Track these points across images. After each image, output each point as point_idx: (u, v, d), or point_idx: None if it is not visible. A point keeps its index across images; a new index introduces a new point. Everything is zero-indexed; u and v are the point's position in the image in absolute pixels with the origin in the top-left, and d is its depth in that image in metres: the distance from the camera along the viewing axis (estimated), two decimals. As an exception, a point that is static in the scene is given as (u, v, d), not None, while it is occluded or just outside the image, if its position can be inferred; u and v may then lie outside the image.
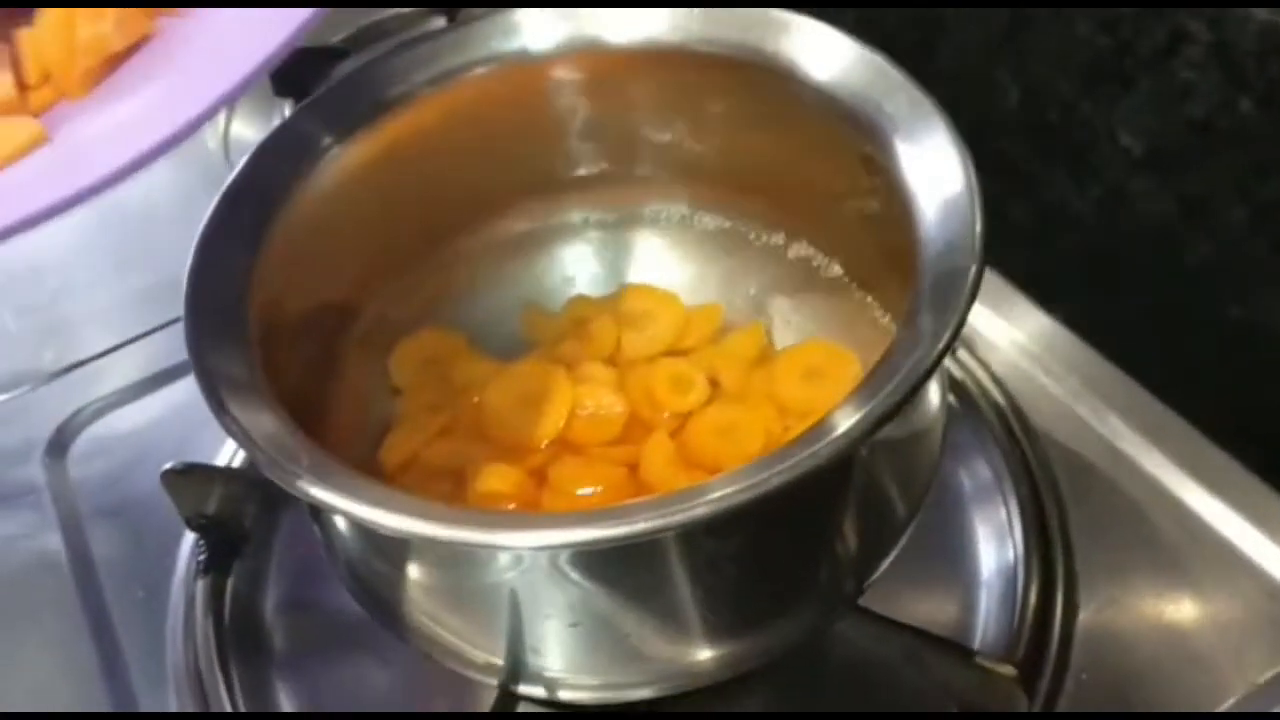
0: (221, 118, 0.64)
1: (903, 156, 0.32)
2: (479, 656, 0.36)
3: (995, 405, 0.43)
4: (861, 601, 0.35)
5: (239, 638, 0.43)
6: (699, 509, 0.27)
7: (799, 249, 0.42)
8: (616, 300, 0.44)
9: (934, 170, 0.31)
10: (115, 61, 0.31)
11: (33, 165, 0.29)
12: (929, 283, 0.31)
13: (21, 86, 0.31)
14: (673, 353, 0.42)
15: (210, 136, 0.62)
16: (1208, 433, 0.42)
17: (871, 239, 0.37)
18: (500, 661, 0.35)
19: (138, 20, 0.31)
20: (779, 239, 0.42)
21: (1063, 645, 0.37)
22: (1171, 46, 0.48)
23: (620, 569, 0.31)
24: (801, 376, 0.40)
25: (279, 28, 0.29)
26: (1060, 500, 0.40)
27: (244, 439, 0.30)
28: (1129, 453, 0.42)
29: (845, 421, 0.28)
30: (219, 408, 0.31)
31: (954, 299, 0.29)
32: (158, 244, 0.59)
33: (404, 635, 0.37)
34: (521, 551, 0.30)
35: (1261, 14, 0.44)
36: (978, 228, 0.30)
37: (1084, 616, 0.38)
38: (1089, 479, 0.41)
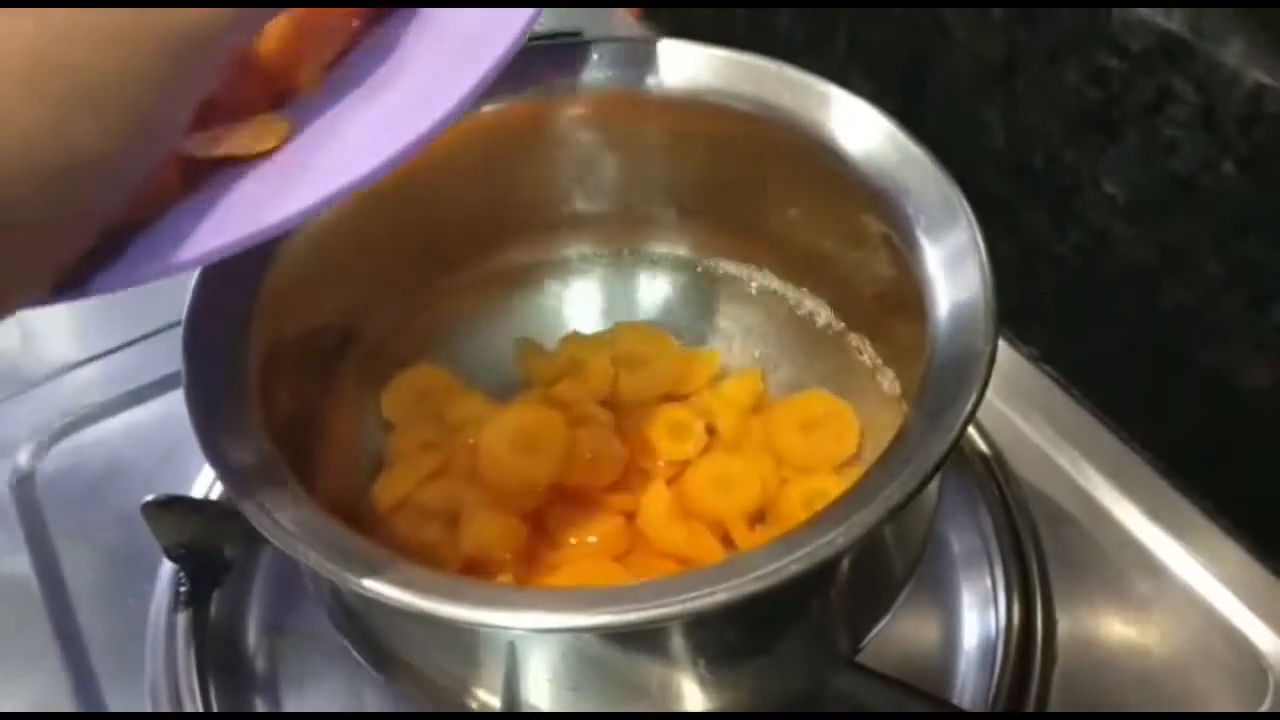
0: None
1: (923, 243, 0.33)
2: (472, 705, 0.36)
3: (980, 454, 0.44)
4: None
5: (220, 667, 0.43)
6: (717, 595, 0.27)
7: (800, 301, 0.42)
8: (611, 339, 0.44)
9: (951, 258, 0.32)
10: (342, 56, 0.31)
11: (284, 162, 0.29)
12: (938, 366, 0.31)
13: (260, 83, 0.31)
14: (670, 397, 0.42)
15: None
16: (1172, 472, 0.43)
17: (878, 303, 0.37)
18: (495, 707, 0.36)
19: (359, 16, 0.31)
20: (781, 289, 0.42)
21: (1040, 699, 0.38)
22: (1158, 104, 0.48)
23: (625, 641, 0.32)
24: (799, 428, 0.40)
25: (511, 21, 0.29)
26: (1041, 552, 0.41)
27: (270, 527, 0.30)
28: (1104, 503, 0.43)
29: (860, 508, 0.28)
30: (240, 494, 0.30)
31: (965, 391, 0.30)
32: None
33: (394, 677, 0.37)
34: (523, 634, 0.30)
35: (1248, 80, 0.45)
36: (990, 321, 0.31)
37: (1060, 669, 0.39)
38: (1067, 529, 0.43)
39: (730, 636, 0.33)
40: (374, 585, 0.28)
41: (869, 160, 0.34)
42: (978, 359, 0.30)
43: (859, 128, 0.35)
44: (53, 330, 0.55)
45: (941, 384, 0.31)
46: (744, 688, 0.35)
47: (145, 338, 0.53)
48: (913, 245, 0.33)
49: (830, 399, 0.40)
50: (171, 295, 0.53)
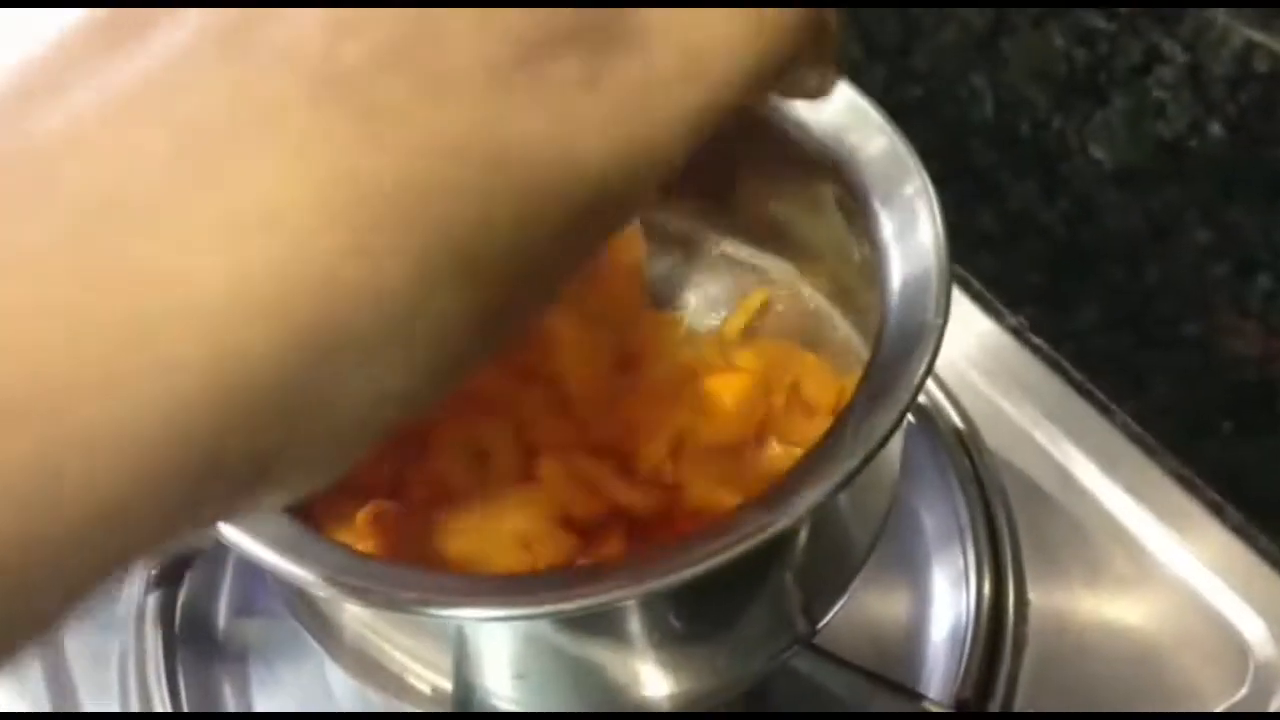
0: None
1: (877, 210, 0.31)
2: (424, 689, 0.36)
3: (954, 428, 0.43)
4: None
5: (191, 649, 0.43)
6: (662, 579, 0.27)
7: (766, 269, 0.41)
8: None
9: (904, 225, 0.31)
10: None
11: None
12: (890, 338, 0.30)
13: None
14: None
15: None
16: (1155, 449, 0.42)
17: (842, 271, 0.36)
18: (447, 691, 0.35)
19: None
20: (747, 257, 0.41)
21: (1010, 681, 0.37)
22: (1146, 66, 0.47)
23: (571, 625, 0.31)
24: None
25: None
26: (1015, 532, 0.40)
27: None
28: (1082, 480, 0.42)
29: (803, 487, 0.28)
30: None
31: (916, 361, 0.29)
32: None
33: (343, 662, 0.37)
34: (456, 620, 0.30)
35: (1237, 39, 0.44)
36: (942, 293, 0.30)
37: (1031, 651, 0.38)
38: (1043, 506, 0.42)
39: (685, 617, 0.32)
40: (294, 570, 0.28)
41: (820, 123, 0.33)
42: (929, 331, 0.29)
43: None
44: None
45: (891, 358, 0.30)
46: (700, 669, 0.34)
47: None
48: (868, 212, 0.32)
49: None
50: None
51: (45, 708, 0.42)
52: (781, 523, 0.27)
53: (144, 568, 0.44)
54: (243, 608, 0.45)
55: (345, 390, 0.15)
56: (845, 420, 0.29)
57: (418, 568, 0.31)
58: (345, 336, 0.15)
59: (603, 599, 0.27)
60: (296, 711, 0.43)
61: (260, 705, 0.43)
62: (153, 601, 0.43)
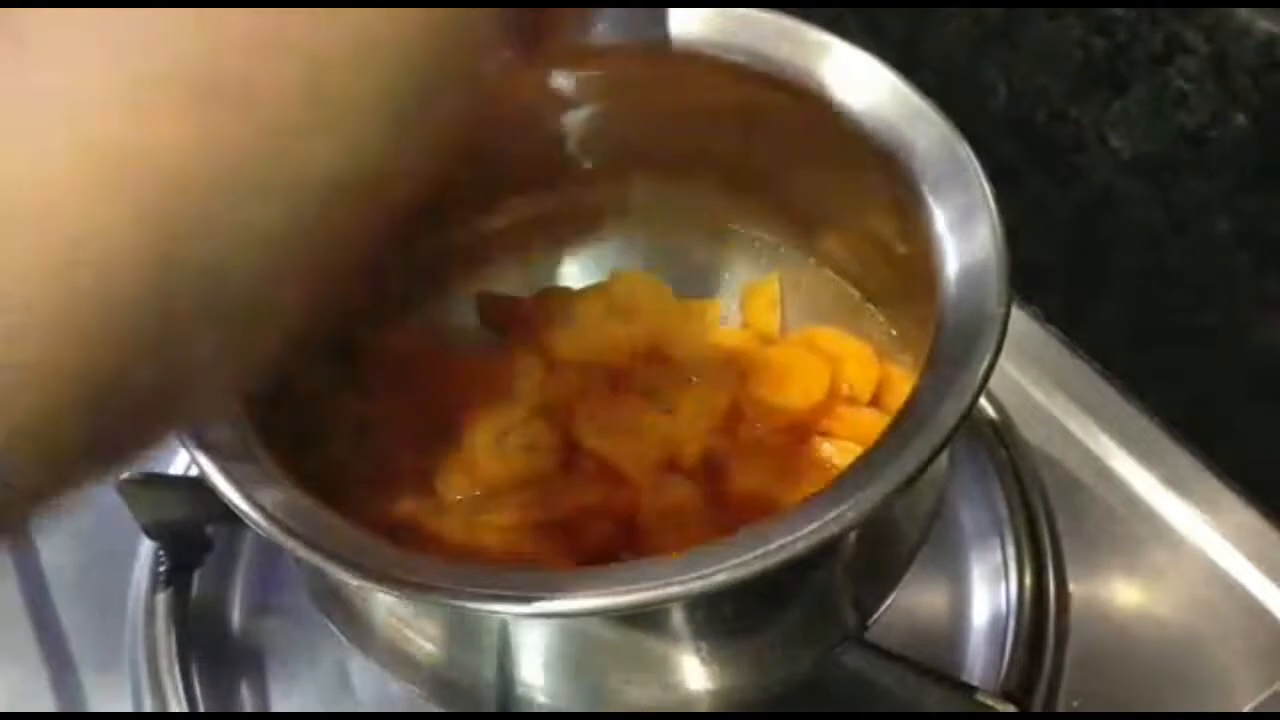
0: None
1: (931, 203, 0.31)
2: (463, 682, 0.35)
3: (989, 420, 0.43)
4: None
5: (202, 647, 0.42)
6: (720, 574, 0.26)
7: (807, 261, 0.40)
8: (606, 286, 0.43)
9: (960, 218, 0.30)
10: None
11: None
12: (949, 330, 0.30)
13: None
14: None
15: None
16: (1185, 437, 0.42)
17: (887, 266, 0.36)
18: (486, 685, 0.34)
19: None
20: (787, 250, 0.41)
21: (1053, 672, 0.37)
22: (1167, 54, 0.47)
23: (625, 620, 0.30)
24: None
25: None
26: (1053, 524, 0.40)
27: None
28: (1117, 469, 0.42)
29: (872, 480, 0.27)
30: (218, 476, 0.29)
31: (980, 351, 0.28)
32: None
33: (378, 656, 0.36)
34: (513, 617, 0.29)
35: (1259, 29, 0.44)
36: (1003, 283, 0.29)
37: (1073, 642, 0.38)
38: (1079, 497, 0.41)
39: (735, 614, 0.32)
40: (364, 580, 0.27)
41: (872, 116, 0.32)
42: (991, 322, 0.29)
43: (861, 81, 0.33)
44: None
45: (953, 349, 0.29)
46: (749, 665, 0.33)
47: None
48: (920, 204, 0.31)
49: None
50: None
51: (51, 708, 0.41)
52: (854, 516, 0.26)
53: (153, 565, 0.43)
54: (256, 606, 0.44)
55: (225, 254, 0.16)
56: (909, 413, 0.29)
57: (480, 563, 0.30)
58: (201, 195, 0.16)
59: (672, 592, 0.26)
60: (316, 711, 0.42)
61: (277, 705, 0.42)
62: (162, 601, 0.42)
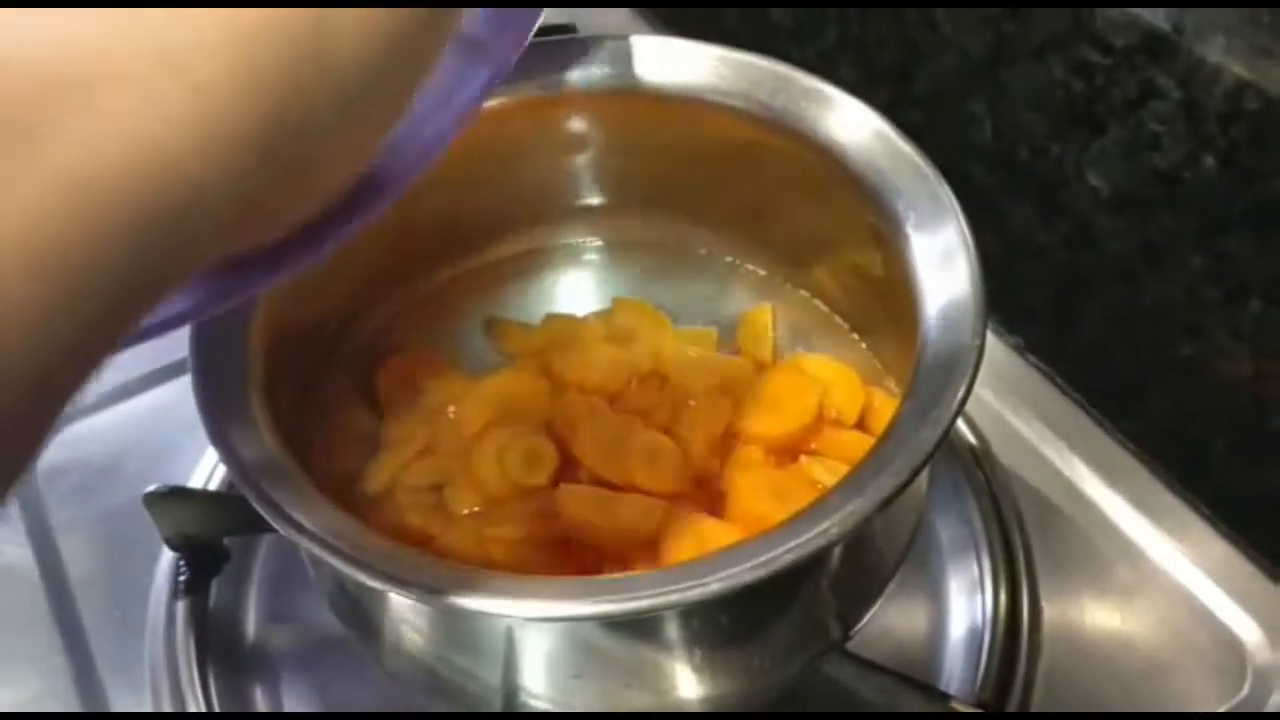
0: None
1: (913, 240, 0.33)
2: (470, 693, 0.37)
3: (968, 445, 0.45)
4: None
5: (220, 654, 0.44)
6: (711, 585, 0.28)
7: (795, 294, 0.43)
8: (606, 315, 0.45)
9: (941, 255, 0.33)
10: None
11: None
12: (928, 360, 0.32)
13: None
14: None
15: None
16: (1155, 464, 0.44)
17: (872, 300, 0.38)
18: (494, 699, 0.36)
19: None
20: (777, 283, 0.43)
21: (1026, 686, 0.39)
22: (1141, 99, 0.49)
23: (617, 628, 0.32)
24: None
25: (519, 21, 0.29)
26: (1027, 544, 0.42)
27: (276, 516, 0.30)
28: (1089, 493, 0.44)
29: (855, 498, 0.29)
30: (253, 491, 0.31)
31: (956, 380, 0.31)
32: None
33: (391, 666, 0.38)
34: (520, 621, 0.31)
35: (1229, 75, 0.46)
36: (979, 318, 0.32)
37: (1045, 657, 0.40)
38: (1052, 519, 0.44)
39: (723, 624, 0.34)
40: (394, 586, 0.29)
41: (861, 157, 0.35)
42: (966, 354, 0.31)
43: (852, 125, 0.36)
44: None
45: (932, 378, 0.32)
46: (736, 673, 0.35)
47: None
48: (903, 242, 0.34)
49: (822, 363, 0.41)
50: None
51: (75, 708, 0.43)
52: (838, 532, 0.29)
53: (173, 574, 0.44)
54: (270, 614, 0.46)
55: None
56: (890, 437, 0.31)
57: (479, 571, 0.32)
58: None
59: (671, 600, 0.28)
60: (327, 712, 0.43)
61: (289, 707, 0.43)
62: (181, 608, 0.44)
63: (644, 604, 0.28)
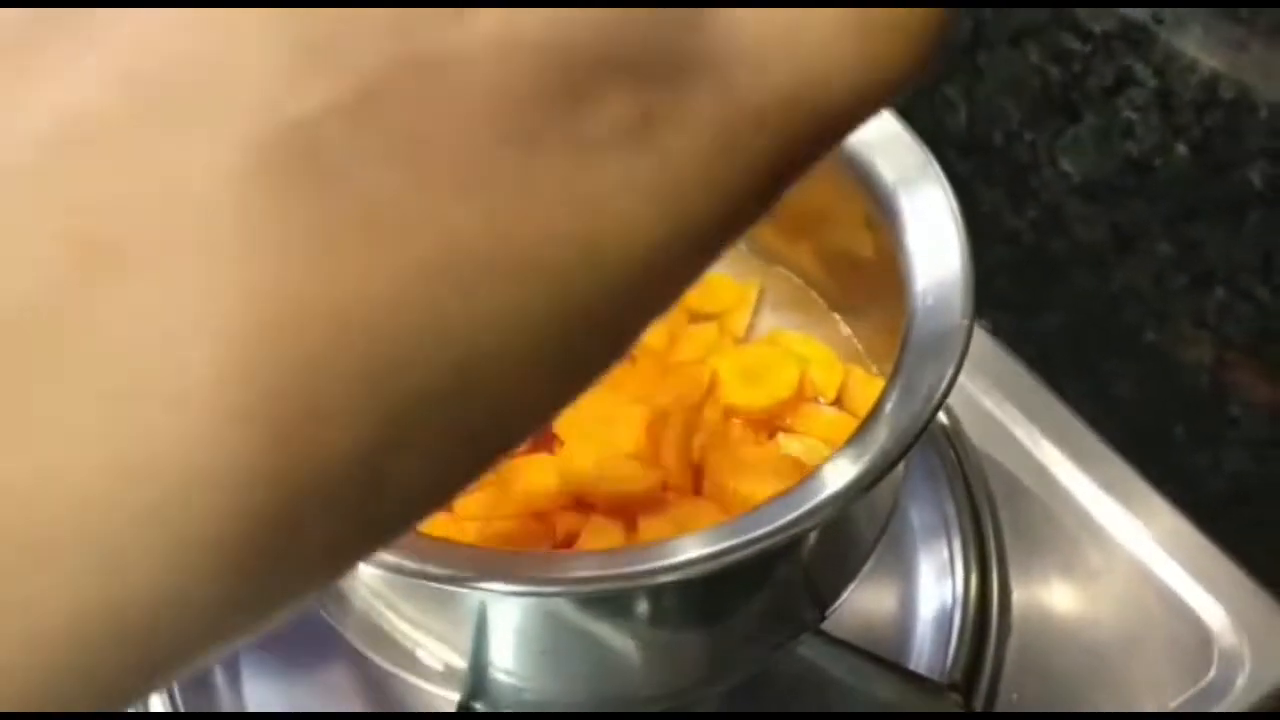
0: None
1: (902, 216, 0.33)
2: (436, 666, 0.36)
3: (941, 426, 0.45)
4: (817, 624, 0.36)
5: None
6: (692, 566, 0.28)
7: (775, 270, 0.42)
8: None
9: (930, 234, 0.32)
10: None
11: None
12: (915, 340, 0.32)
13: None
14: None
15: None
16: (1122, 447, 0.45)
17: (855, 278, 0.38)
18: (461, 670, 0.35)
19: None
20: (760, 256, 0.43)
21: (995, 667, 0.39)
22: (1118, 87, 0.50)
23: (592, 605, 0.32)
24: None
25: None
26: (998, 524, 0.42)
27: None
28: (1058, 476, 0.44)
29: (841, 479, 0.29)
30: None
31: (945, 360, 0.31)
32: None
33: (357, 637, 0.37)
34: (493, 595, 0.30)
35: (1204, 66, 0.46)
36: (968, 296, 0.31)
37: (1014, 638, 0.40)
38: (1022, 501, 0.44)
39: (698, 603, 0.33)
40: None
41: (850, 137, 0.34)
42: (956, 333, 0.31)
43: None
44: None
45: (919, 356, 0.31)
46: (709, 653, 0.35)
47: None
48: (892, 219, 0.33)
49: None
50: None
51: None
52: (829, 511, 0.28)
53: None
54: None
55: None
56: (875, 417, 0.31)
57: (454, 545, 0.31)
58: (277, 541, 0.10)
59: (667, 575, 0.27)
60: (320, 711, 0.42)
61: (253, 701, 0.42)
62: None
63: (623, 583, 0.28)
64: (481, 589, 0.30)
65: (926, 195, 0.33)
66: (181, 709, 0.40)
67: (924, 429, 0.29)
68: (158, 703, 0.40)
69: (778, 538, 0.28)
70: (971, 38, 0.54)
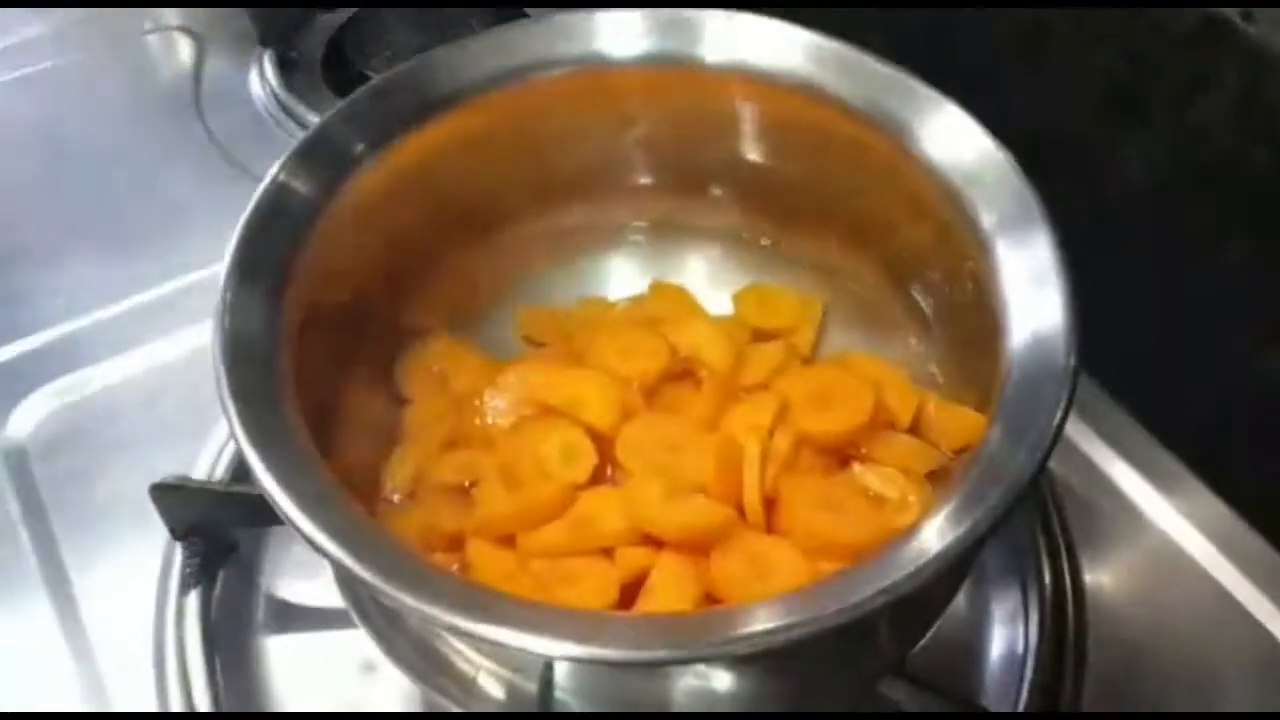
0: (190, 60, 0.58)
1: (1001, 252, 0.31)
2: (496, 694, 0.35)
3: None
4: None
5: (227, 647, 0.41)
6: (789, 632, 0.26)
7: (858, 289, 0.41)
8: (641, 300, 0.43)
9: (1030, 269, 0.31)
10: None
11: None
12: (1016, 382, 0.30)
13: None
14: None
15: (180, 84, 0.57)
16: (1195, 464, 0.44)
17: (940, 296, 0.36)
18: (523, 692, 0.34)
19: None
20: (839, 272, 0.41)
21: (1073, 703, 0.38)
22: (1194, 86, 0.47)
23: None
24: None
25: None
26: (1074, 555, 0.41)
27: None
28: (1137, 501, 0.43)
29: (942, 539, 0.27)
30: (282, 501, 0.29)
31: (1048, 403, 0.29)
32: (126, 204, 0.55)
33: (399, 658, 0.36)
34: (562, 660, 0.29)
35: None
36: (1071, 338, 0.30)
37: (1090, 672, 0.39)
38: (1102, 532, 0.42)
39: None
40: (416, 603, 0.27)
41: (954, 165, 0.33)
42: (1061, 376, 0.29)
43: (934, 125, 0.33)
44: (42, 290, 0.51)
45: (1020, 398, 0.30)
46: (794, 690, 0.34)
47: (144, 294, 0.51)
48: (989, 254, 0.32)
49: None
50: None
51: (78, 707, 0.40)
52: (935, 570, 0.27)
53: (180, 566, 0.42)
54: (278, 606, 0.43)
55: None
56: (981, 458, 0.29)
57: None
58: None
59: (759, 644, 0.26)
60: (334, 712, 0.41)
61: (294, 703, 0.41)
62: (187, 601, 0.41)
63: (720, 651, 0.26)
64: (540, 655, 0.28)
65: (1029, 232, 0.31)
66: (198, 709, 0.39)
67: (1035, 478, 0.28)
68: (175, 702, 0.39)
69: (878, 600, 0.27)
70: (1034, 30, 0.52)
